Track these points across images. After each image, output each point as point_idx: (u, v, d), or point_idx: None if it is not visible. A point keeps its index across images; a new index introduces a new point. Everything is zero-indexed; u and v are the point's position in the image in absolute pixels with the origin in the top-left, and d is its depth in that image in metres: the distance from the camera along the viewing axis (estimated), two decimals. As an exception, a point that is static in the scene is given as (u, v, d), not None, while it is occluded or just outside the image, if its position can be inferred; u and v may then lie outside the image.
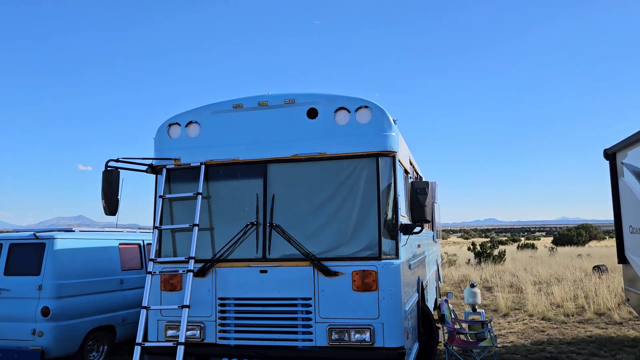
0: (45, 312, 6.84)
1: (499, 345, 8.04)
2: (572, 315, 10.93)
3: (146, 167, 5.65)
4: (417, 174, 8.10)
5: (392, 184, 5.11)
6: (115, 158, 5.31)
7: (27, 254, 7.24)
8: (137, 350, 5.09)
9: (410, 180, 6.30)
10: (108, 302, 7.80)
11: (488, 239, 50.51)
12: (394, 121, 5.19)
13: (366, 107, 5.09)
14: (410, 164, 6.77)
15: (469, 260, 26.96)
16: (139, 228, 9.78)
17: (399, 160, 5.34)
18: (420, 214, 5.10)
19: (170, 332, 5.25)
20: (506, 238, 70.99)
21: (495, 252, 26.56)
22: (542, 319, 10.80)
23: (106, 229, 8.63)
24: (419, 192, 5.09)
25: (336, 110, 5.15)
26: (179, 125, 5.59)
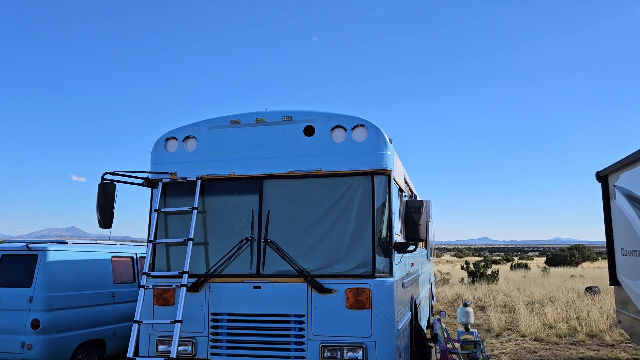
0: (35, 324, 6.78)
1: (491, 366, 8.01)
2: (565, 337, 10.92)
3: (142, 180, 5.66)
4: (412, 192, 8.15)
5: (387, 202, 5.14)
6: (112, 171, 5.33)
7: (19, 265, 7.19)
8: (128, 364, 5.05)
9: (405, 199, 6.34)
10: (99, 315, 7.73)
11: (482, 258, 50.51)
12: (390, 140, 5.25)
13: (362, 125, 5.15)
14: (405, 182, 6.82)
15: (462, 279, 26.92)
16: (131, 241, 9.74)
17: (394, 179, 5.38)
18: (415, 233, 5.13)
19: (161, 347, 5.21)
20: (500, 257, 71.01)
21: (489, 271, 26.54)
22: (535, 339, 10.78)
23: (99, 242, 8.60)
24: (414, 211, 5.12)
25: (333, 129, 5.21)
26: (176, 139, 5.62)
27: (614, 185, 7.86)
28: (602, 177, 8.28)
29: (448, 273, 31.28)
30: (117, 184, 5.48)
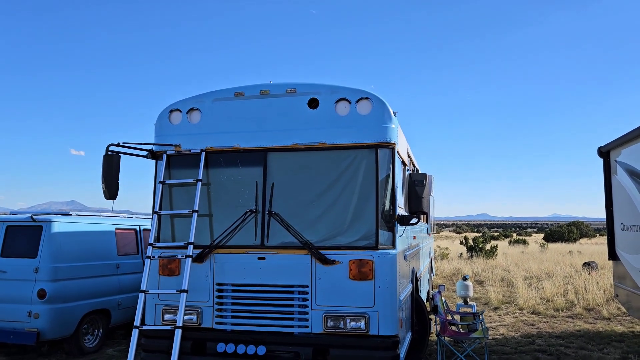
0: (41, 294, 6.88)
1: (489, 337, 8.16)
2: (562, 310, 11.09)
3: (146, 152, 5.67)
4: (414, 166, 8.18)
5: (391, 175, 5.17)
6: (116, 142, 5.34)
7: (24, 236, 7.26)
8: (135, 333, 5.15)
9: (407, 172, 6.37)
10: (104, 286, 7.84)
11: (480, 234, 50.80)
12: (394, 113, 5.25)
13: (367, 98, 5.14)
14: (408, 156, 6.84)
15: (461, 254, 27.16)
16: (132, 215, 9.80)
17: (398, 152, 5.40)
18: (418, 205, 5.17)
19: (167, 316, 5.31)
20: (498, 233, 71.43)
21: (488, 246, 26.76)
22: (532, 313, 10.95)
23: (102, 214, 8.66)
24: (417, 184, 5.16)
25: (337, 101, 5.20)
26: (180, 111, 5.61)
27: (616, 161, 7.89)
28: (604, 152, 8.31)
29: (447, 248, 31.55)
30: (122, 156, 5.49)
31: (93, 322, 7.74)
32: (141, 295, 5.25)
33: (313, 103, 5.26)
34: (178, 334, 5.00)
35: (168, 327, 5.13)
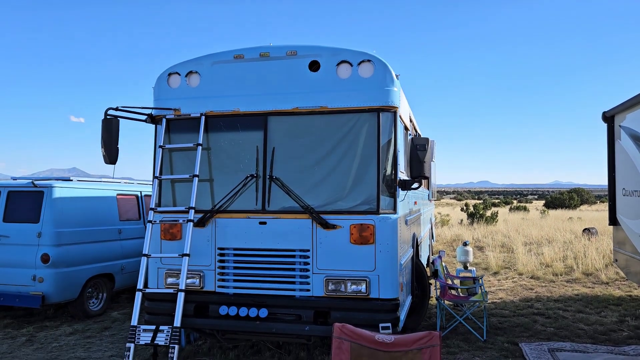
0: (45, 259, 6.95)
1: (488, 301, 8.26)
2: (561, 275, 11.20)
3: (145, 116, 5.62)
4: (416, 131, 8.12)
5: (393, 140, 5.13)
6: (115, 106, 5.28)
7: (26, 201, 7.28)
8: (139, 296, 5.21)
9: (409, 137, 6.32)
10: (106, 251, 7.91)
11: (481, 201, 51.00)
12: (396, 76, 5.17)
13: (369, 61, 5.05)
14: (410, 120, 6.78)
15: (462, 220, 27.31)
16: (133, 181, 9.81)
17: (400, 116, 5.34)
18: (419, 170, 5.14)
19: (170, 280, 5.36)
20: (499, 200, 71.64)
21: (488, 213, 26.88)
22: (532, 277, 11.06)
23: (103, 180, 8.67)
24: (419, 148, 5.11)
25: (338, 64, 5.11)
26: (179, 74, 5.53)
27: (620, 126, 7.82)
28: (608, 117, 8.22)
29: (448, 215, 31.71)
30: (121, 120, 5.44)
31: (97, 286, 7.84)
32: (144, 259, 5.28)
33: (314, 66, 5.17)
34: (181, 297, 5.06)
35: (171, 291, 5.19)
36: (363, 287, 4.92)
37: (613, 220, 8.28)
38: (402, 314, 5.24)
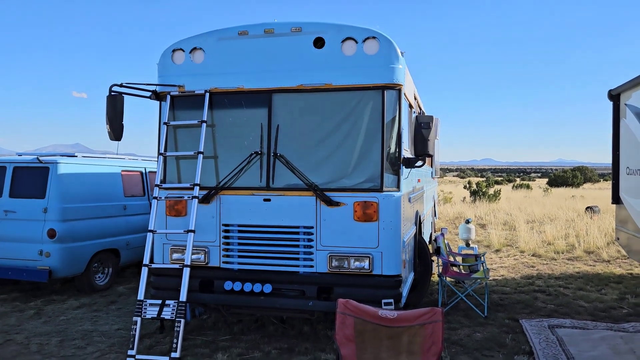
0: (51, 234, 7.03)
1: (490, 278, 8.34)
2: (562, 253, 11.27)
3: (150, 93, 5.61)
4: (421, 108, 8.09)
5: (397, 117, 5.12)
6: (119, 83, 5.27)
7: (31, 177, 7.33)
8: (145, 271, 5.29)
9: (414, 115, 6.31)
10: (112, 226, 7.99)
11: (484, 179, 50.95)
12: (401, 53, 5.13)
13: (374, 37, 5.01)
14: (415, 98, 6.75)
15: (464, 198, 27.35)
16: (137, 157, 9.84)
17: (405, 94, 5.32)
18: (423, 148, 5.14)
19: (175, 255, 5.42)
20: (502, 178, 71.59)
21: (491, 190, 26.90)
22: (533, 255, 11.14)
23: (108, 156, 8.70)
24: (423, 127, 5.11)
25: (343, 41, 5.07)
26: (183, 51, 5.50)
27: (626, 104, 7.77)
28: (614, 95, 8.17)
29: (450, 192, 31.74)
30: (125, 97, 5.44)
31: (103, 261, 7.94)
32: (149, 235, 5.34)
33: (319, 42, 5.13)
34: (186, 272, 5.13)
35: (176, 266, 5.26)
36: (366, 263, 4.98)
37: (616, 199, 8.30)
38: (405, 291, 5.31)
